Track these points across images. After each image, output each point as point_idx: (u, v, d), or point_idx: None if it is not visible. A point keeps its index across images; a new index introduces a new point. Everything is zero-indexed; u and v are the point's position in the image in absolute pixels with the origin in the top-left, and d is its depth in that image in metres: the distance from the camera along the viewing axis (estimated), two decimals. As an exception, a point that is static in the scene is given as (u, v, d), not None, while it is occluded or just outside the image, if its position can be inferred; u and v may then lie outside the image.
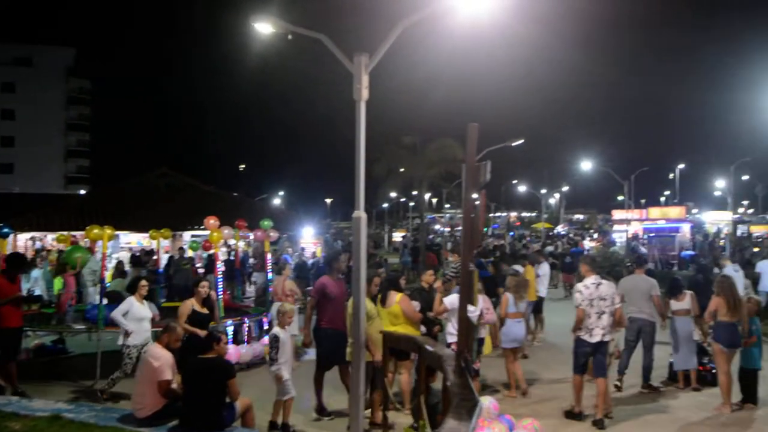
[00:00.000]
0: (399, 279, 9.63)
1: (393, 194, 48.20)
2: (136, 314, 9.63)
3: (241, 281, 15.51)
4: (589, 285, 8.72)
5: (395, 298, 8.86)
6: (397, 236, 51.51)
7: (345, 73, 8.13)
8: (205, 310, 9.53)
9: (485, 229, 53.84)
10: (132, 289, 10.03)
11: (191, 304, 9.33)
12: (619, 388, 10.10)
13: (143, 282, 10.14)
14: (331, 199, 76.26)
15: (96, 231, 11.18)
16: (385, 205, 58.09)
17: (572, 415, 8.86)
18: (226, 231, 12.45)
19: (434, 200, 72.77)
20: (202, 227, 13.05)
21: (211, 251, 14.60)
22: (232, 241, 14.36)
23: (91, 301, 13.34)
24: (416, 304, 9.20)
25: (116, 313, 9.61)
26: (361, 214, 7.93)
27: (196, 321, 9.17)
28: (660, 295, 10.34)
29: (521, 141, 27.11)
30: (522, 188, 70.23)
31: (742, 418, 8.94)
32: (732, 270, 15.23)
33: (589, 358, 8.76)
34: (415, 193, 38.39)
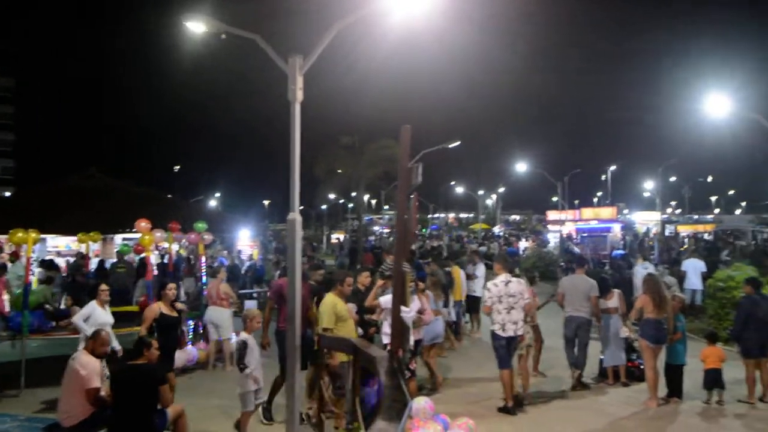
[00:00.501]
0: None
1: (332, 195, 48.05)
2: (98, 319, 9.36)
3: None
4: (498, 283, 9.22)
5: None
6: (338, 237, 51.47)
7: (282, 74, 8.11)
8: (174, 313, 9.25)
9: (424, 231, 54.26)
10: (93, 294, 9.78)
11: (158, 308, 9.00)
12: (582, 383, 10.44)
13: (103, 286, 9.90)
14: (269, 201, 75.54)
15: (20, 235, 10.78)
16: (324, 206, 57.88)
17: (506, 409, 9.07)
18: (158, 234, 12.17)
19: (373, 201, 73.00)
20: (133, 230, 12.73)
21: (143, 255, 14.26)
22: (165, 244, 14.05)
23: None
24: (352, 306, 9.20)
25: (78, 319, 9.46)
26: (295, 216, 7.89)
27: (165, 325, 8.91)
28: (598, 295, 10.66)
29: (458, 143, 27.45)
30: (460, 189, 71.06)
31: (667, 411, 9.27)
32: (641, 268, 16.07)
33: (508, 351, 9.19)
34: (354, 194, 38.41)
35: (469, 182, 70.82)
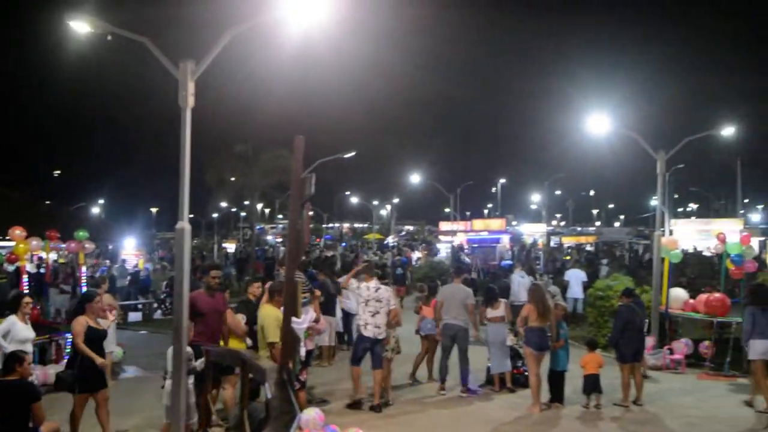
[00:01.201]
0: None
1: (224, 204, 47.07)
2: (19, 335, 8.57)
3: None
4: (370, 287, 9.87)
5: (219, 311, 8.62)
6: (229, 247, 50.30)
7: (173, 79, 7.93)
8: (101, 327, 8.54)
9: (321, 240, 54.01)
10: (14, 306, 8.87)
11: (85, 321, 8.15)
12: (469, 390, 10.68)
13: (27, 299, 9.01)
14: (158, 209, 72.83)
15: None
16: (216, 214, 56.61)
17: (354, 404, 9.54)
18: (35, 242, 11.51)
19: (267, 210, 72.00)
20: (7, 238, 12.00)
21: (18, 264, 13.45)
22: (42, 253, 13.30)
23: None
24: (242, 317, 9.02)
25: None
26: (184, 225, 7.68)
27: (93, 339, 8.16)
28: (474, 303, 10.99)
29: (353, 153, 27.59)
30: (354, 199, 71.31)
31: (549, 417, 9.64)
32: (518, 276, 16.90)
33: (367, 352, 9.74)
34: (247, 203, 37.79)
35: (364, 192, 71.19)
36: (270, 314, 8.12)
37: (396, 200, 70.10)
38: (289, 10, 8.09)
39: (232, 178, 31.73)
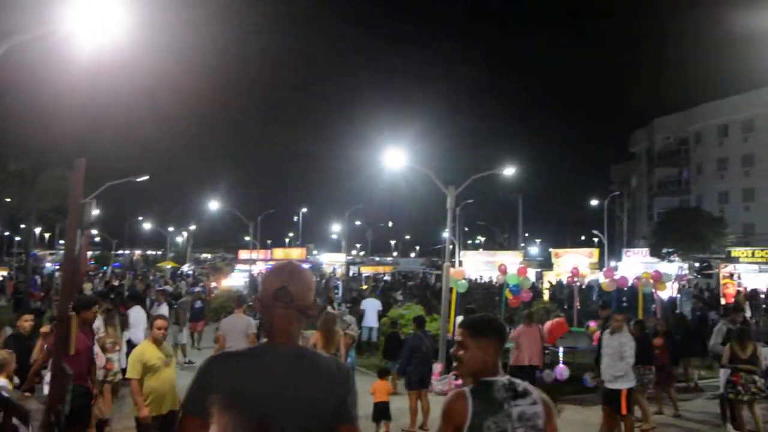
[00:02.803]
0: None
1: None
2: None
3: None
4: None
5: (-20, 348, 7.74)
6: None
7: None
8: None
9: (109, 268, 50.60)
10: None
11: None
12: None
13: None
14: None
15: None
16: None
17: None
18: None
19: (47, 235, 66.43)
20: None
21: None
22: None
23: None
24: (8, 353, 8.14)
25: None
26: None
27: None
28: (256, 333, 10.94)
29: (146, 177, 26.36)
30: (148, 225, 68.11)
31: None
32: None
33: None
34: (23, 226, 34.56)
35: (159, 219, 68.28)
36: (137, 349, 7.46)
37: (193, 227, 67.99)
38: (75, 24, 7.65)
39: (7, 199, 28.92)
